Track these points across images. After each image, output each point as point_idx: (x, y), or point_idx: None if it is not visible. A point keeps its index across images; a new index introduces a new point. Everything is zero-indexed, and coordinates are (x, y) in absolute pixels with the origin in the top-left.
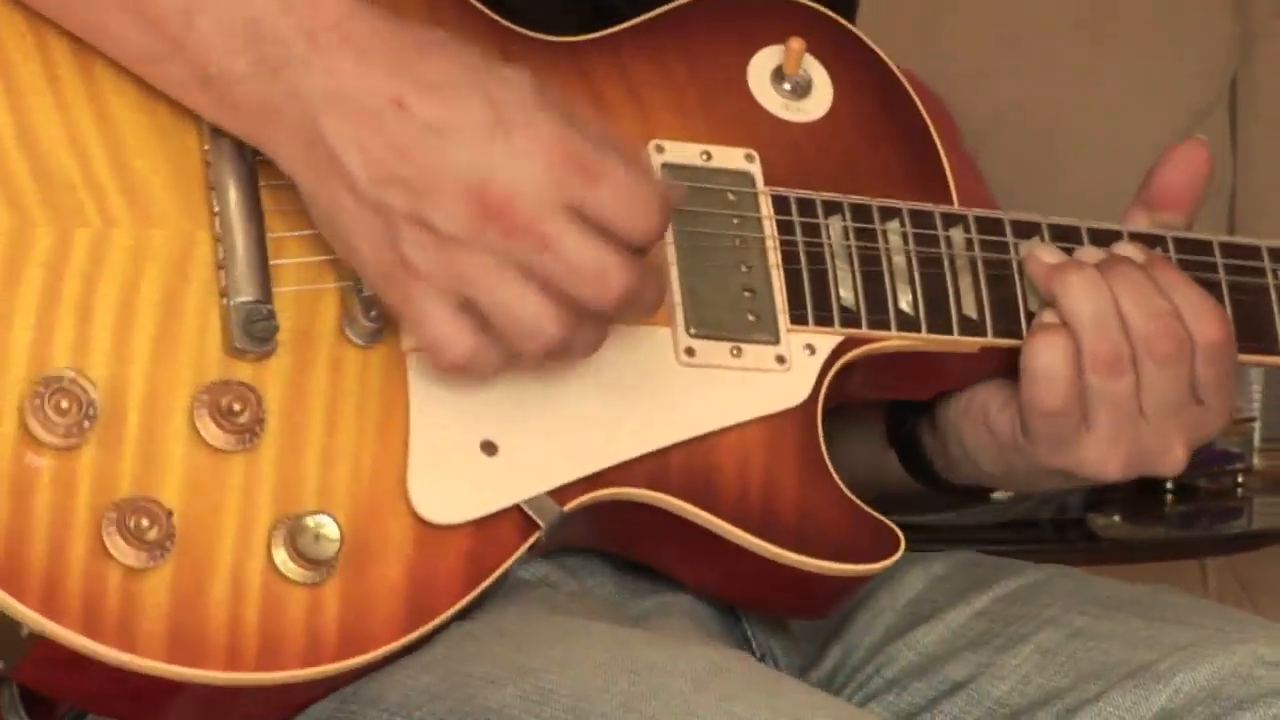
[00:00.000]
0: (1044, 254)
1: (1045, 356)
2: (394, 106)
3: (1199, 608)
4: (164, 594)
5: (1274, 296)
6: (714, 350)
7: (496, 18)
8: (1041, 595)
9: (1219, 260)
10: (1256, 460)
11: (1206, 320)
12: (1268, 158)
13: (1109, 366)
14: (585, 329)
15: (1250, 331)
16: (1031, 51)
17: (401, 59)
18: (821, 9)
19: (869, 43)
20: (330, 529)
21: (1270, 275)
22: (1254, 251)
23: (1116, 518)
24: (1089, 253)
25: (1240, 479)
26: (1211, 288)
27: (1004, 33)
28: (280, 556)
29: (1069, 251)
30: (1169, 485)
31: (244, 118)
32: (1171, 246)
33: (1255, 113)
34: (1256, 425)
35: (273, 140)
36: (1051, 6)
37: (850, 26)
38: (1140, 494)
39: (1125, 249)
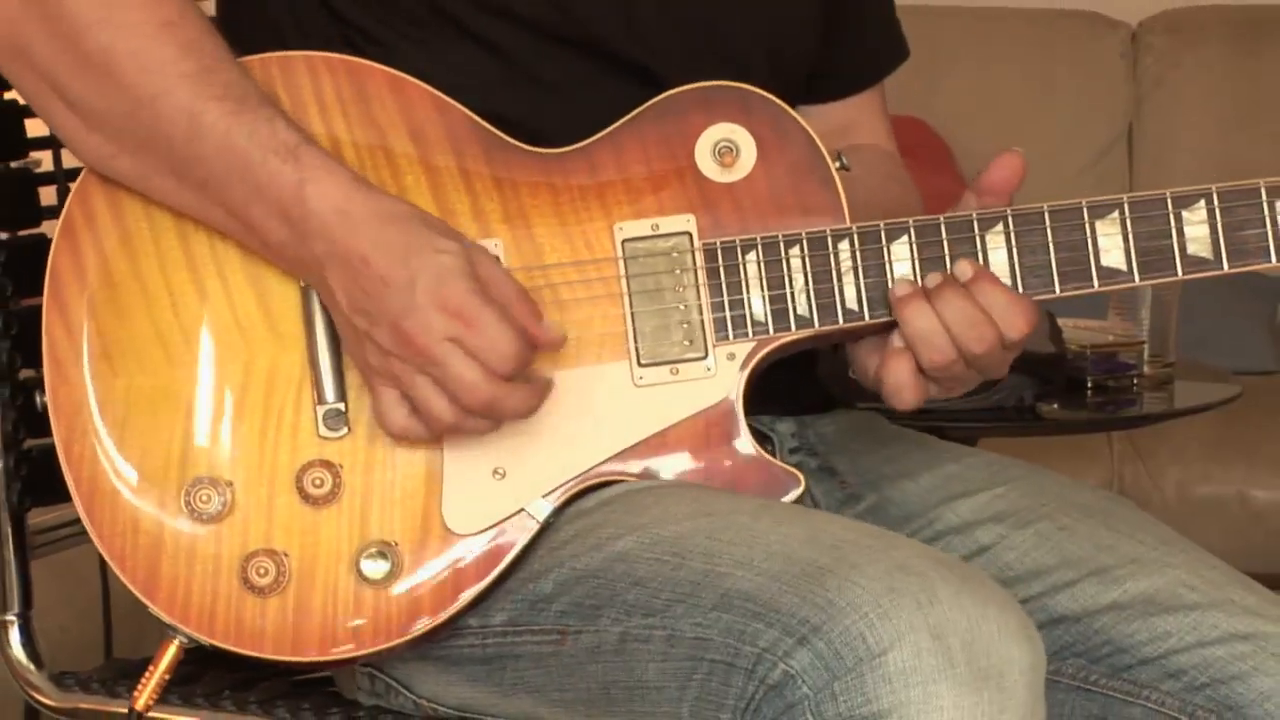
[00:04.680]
0: (900, 287)
1: (895, 375)
2: (361, 263)
3: (1144, 525)
4: (287, 611)
5: (1090, 247)
6: (658, 373)
7: (498, 134)
8: (1041, 493)
9: (1048, 225)
10: (1146, 369)
11: (1013, 319)
12: (1151, 181)
13: (940, 367)
14: (472, 420)
15: (1072, 275)
16: (995, 103)
17: (371, 228)
18: (752, 89)
19: (787, 109)
20: (393, 547)
21: (1087, 229)
22: (1076, 211)
23: (1055, 405)
24: (932, 277)
25: (1135, 381)
26: (1041, 247)
27: (980, 92)
28: (360, 568)
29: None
30: (1089, 384)
31: (293, 267)
32: (1010, 217)
33: (1143, 149)
34: (1145, 346)
35: (307, 279)
36: (1011, 76)
37: (773, 98)
38: (1070, 390)
39: (961, 266)
